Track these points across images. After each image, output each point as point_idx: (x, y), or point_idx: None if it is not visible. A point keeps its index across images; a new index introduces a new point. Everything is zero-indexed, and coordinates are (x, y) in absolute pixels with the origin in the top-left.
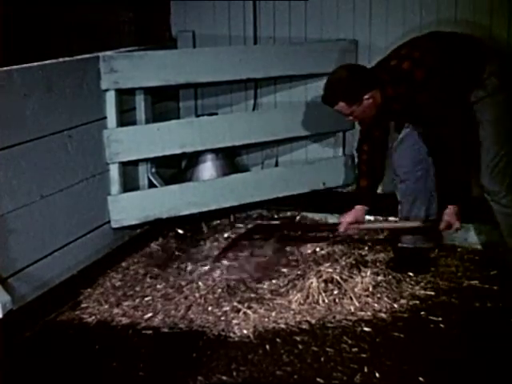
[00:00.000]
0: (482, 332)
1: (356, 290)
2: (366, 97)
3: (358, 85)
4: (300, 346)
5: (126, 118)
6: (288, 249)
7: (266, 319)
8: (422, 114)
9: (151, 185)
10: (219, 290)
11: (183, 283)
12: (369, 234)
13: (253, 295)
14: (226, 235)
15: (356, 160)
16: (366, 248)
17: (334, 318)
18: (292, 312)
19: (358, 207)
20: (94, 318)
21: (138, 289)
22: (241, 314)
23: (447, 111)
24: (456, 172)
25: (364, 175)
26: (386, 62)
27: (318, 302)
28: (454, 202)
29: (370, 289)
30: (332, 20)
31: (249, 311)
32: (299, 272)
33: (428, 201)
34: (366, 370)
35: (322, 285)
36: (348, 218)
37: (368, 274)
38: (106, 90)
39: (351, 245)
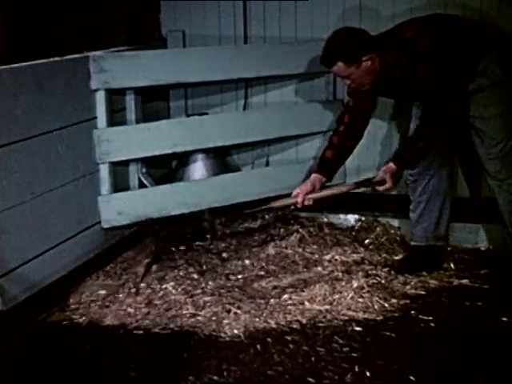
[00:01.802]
0: (473, 331)
1: (347, 289)
2: (365, 58)
3: (358, 45)
4: (291, 346)
5: (116, 117)
6: None
7: (257, 319)
8: (420, 85)
9: (142, 185)
10: (210, 290)
11: (174, 283)
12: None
13: (243, 295)
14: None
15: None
16: (359, 247)
17: (325, 317)
18: (283, 312)
19: (315, 175)
20: (84, 318)
21: (129, 289)
22: (231, 314)
23: (446, 86)
24: (422, 139)
25: (332, 147)
26: (389, 31)
27: (308, 302)
28: (397, 161)
29: (361, 288)
30: (322, 19)
31: (239, 311)
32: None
33: (442, 203)
34: (356, 369)
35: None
36: (306, 186)
37: (359, 273)
38: (96, 90)
39: (344, 244)
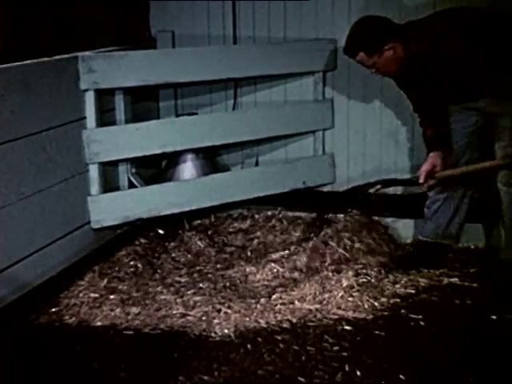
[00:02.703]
0: (462, 329)
1: (337, 288)
2: (387, 47)
3: (378, 34)
4: (281, 345)
5: (105, 118)
6: None
7: (247, 319)
8: (453, 71)
9: (131, 185)
10: (200, 290)
11: (164, 283)
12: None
13: (233, 295)
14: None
15: (335, 162)
16: (349, 246)
17: (315, 316)
18: (273, 311)
19: (432, 154)
20: (74, 318)
21: (119, 289)
22: (222, 313)
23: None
24: None
25: (428, 125)
26: (411, 21)
27: (298, 301)
28: None
29: (351, 287)
30: (311, 19)
31: (229, 311)
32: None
33: (458, 204)
34: (347, 368)
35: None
36: (426, 166)
37: (350, 272)
38: (85, 91)
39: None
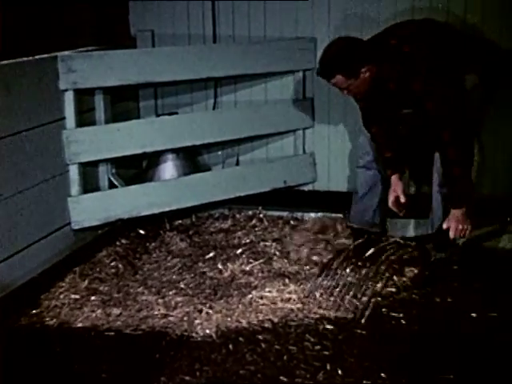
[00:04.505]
0: (443, 327)
1: (318, 288)
2: (364, 70)
3: (356, 57)
4: (263, 345)
5: (85, 118)
6: None
7: (229, 318)
8: (419, 107)
9: (112, 185)
10: (181, 291)
11: (145, 284)
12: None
13: (215, 295)
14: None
15: (316, 161)
16: (328, 246)
17: (297, 316)
18: (254, 311)
19: (393, 179)
20: (55, 320)
21: (100, 290)
22: (203, 313)
23: (447, 107)
24: (455, 165)
25: (387, 148)
26: (385, 39)
27: (280, 301)
28: (453, 204)
29: (332, 287)
30: (291, 18)
31: (211, 311)
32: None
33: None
34: (328, 367)
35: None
36: (392, 196)
37: (330, 271)
38: (65, 91)
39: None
